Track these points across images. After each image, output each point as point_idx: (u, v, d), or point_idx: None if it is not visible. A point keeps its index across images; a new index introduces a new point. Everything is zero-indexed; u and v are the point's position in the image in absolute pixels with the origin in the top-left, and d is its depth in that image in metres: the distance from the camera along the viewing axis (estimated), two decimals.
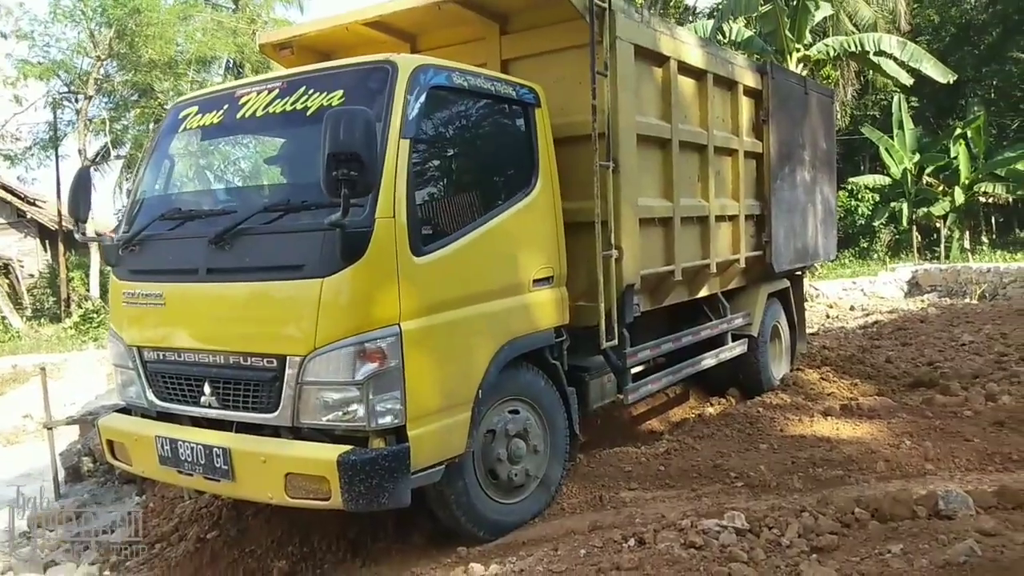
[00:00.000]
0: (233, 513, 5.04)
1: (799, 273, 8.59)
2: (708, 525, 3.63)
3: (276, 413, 3.72)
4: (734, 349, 6.85)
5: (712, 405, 7.12)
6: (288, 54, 5.58)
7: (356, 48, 5.35)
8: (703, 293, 6.49)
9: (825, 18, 20.22)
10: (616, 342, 4.94)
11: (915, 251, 24.39)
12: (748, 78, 6.87)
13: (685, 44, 5.86)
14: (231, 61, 25.27)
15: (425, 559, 4.17)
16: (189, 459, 3.95)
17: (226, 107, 4.30)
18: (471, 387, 4.01)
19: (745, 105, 6.87)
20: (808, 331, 9.95)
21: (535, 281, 4.51)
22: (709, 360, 6.50)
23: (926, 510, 3.69)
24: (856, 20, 20.96)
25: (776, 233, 7.20)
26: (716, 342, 6.65)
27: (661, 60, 5.58)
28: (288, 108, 3.99)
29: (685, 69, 5.87)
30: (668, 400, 7.31)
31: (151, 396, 4.28)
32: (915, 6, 27.38)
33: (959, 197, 22.98)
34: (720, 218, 6.45)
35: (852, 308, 15.65)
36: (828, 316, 14.46)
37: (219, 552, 4.72)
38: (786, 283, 7.98)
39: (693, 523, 3.70)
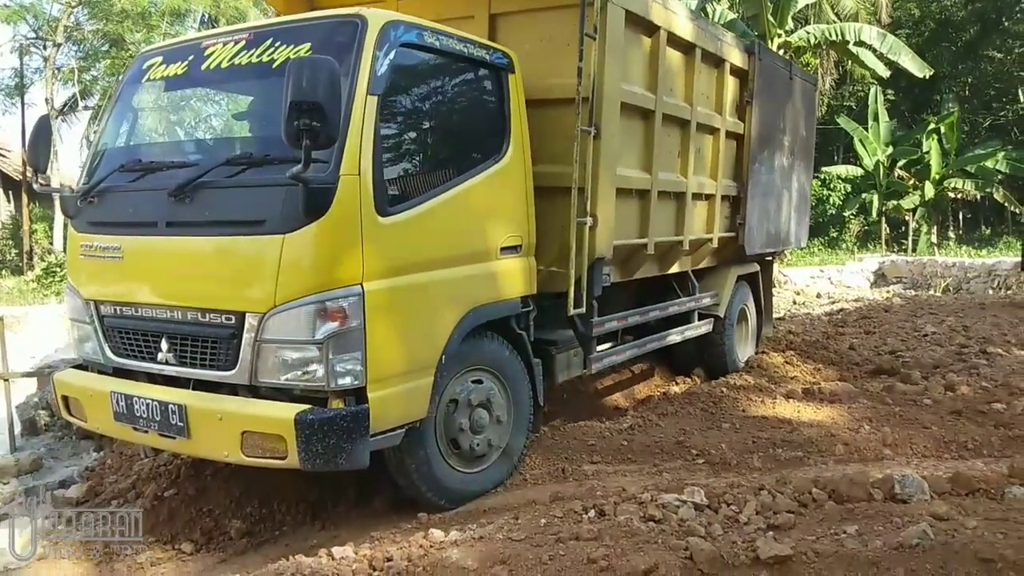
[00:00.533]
0: (192, 472, 4.97)
1: (769, 258, 8.62)
2: (668, 499, 3.63)
3: (234, 371, 3.66)
4: (700, 328, 6.87)
5: (677, 384, 7.17)
6: None
7: None
8: (674, 270, 6.48)
9: (807, 5, 20.23)
10: (584, 310, 4.91)
11: (883, 242, 24.72)
12: (735, 56, 6.81)
13: (676, 15, 5.79)
14: (206, 15, 24.67)
15: (385, 524, 4.14)
16: (144, 416, 3.88)
17: (191, 58, 4.19)
18: (434, 352, 3.97)
19: (730, 84, 6.82)
20: (775, 316, 10.06)
21: (503, 249, 4.46)
22: (674, 336, 6.51)
23: (882, 493, 3.72)
24: (838, 9, 20.99)
25: (750, 216, 7.20)
26: (682, 319, 6.67)
27: (651, 29, 5.50)
28: (254, 60, 3.89)
29: (674, 41, 5.80)
30: (633, 377, 7.34)
31: (108, 352, 4.19)
32: None
33: (929, 192, 23.25)
34: (697, 196, 6.42)
35: (819, 295, 15.86)
36: (795, 302, 14.64)
37: (176, 510, 4.65)
38: (756, 267, 8.01)
39: (653, 497, 3.70)
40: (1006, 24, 26.49)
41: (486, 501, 4.30)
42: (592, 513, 3.61)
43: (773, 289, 9.94)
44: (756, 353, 7.99)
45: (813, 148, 9.16)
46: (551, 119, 4.78)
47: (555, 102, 4.80)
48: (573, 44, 4.64)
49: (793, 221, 8.47)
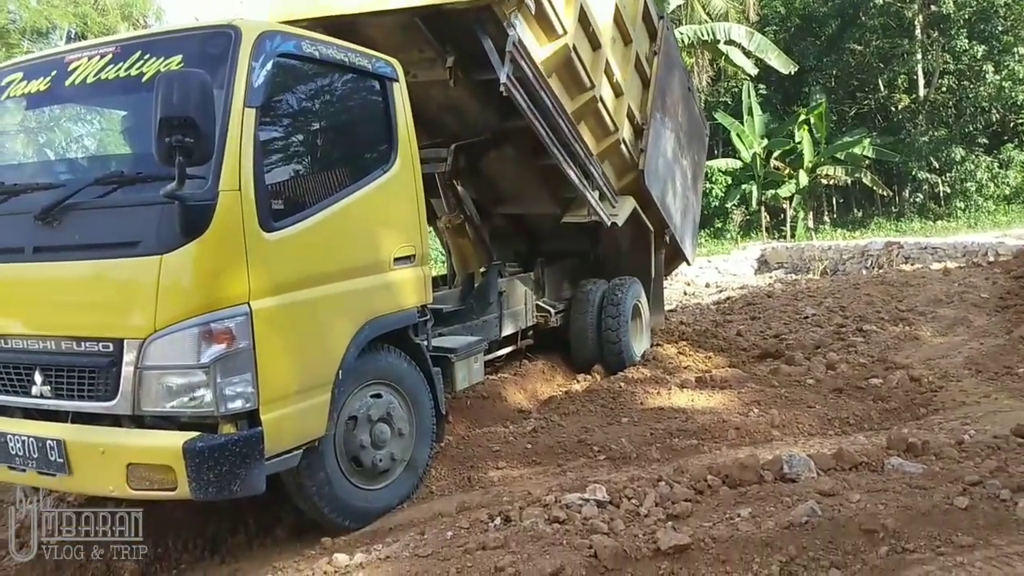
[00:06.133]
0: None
1: (662, 240, 8.64)
2: (571, 499, 3.69)
3: (114, 401, 3.46)
4: (602, 214, 6.84)
5: (578, 382, 7.26)
6: None
7: None
8: (585, 136, 6.43)
9: (679, 6, 20.97)
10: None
11: (764, 230, 25.89)
12: (651, 8, 7.06)
13: None
14: (72, 32, 23.43)
15: (288, 552, 4.01)
16: (20, 453, 3.64)
17: (54, 73, 3.95)
18: (330, 368, 3.88)
19: (643, 23, 7.06)
20: (667, 308, 10.32)
21: (396, 259, 4.41)
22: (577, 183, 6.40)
23: (772, 474, 3.89)
24: (709, 9, 21.87)
25: (651, 149, 7.38)
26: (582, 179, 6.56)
27: None
28: (122, 74, 3.70)
29: None
30: (535, 378, 7.36)
31: None
32: None
33: (803, 179, 24.51)
34: (609, 72, 6.49)
35: (707, 285, 16.44)
36: (685, 293, 15.13)
37: (64, 556, 4.36)
38: (651, 228, 8.07)
39: (557, 498, 3.75)
40: (863, 19, 28.14)
41: (392, 518, 4.22)
42: (498, 520, 3.63)
43: (664, 281, 10.17)
44: (651, 346, 8.19)
45: (703, 172, 9.31)
46: None
47: None
48: None
49: (681, 218, 8.68)
